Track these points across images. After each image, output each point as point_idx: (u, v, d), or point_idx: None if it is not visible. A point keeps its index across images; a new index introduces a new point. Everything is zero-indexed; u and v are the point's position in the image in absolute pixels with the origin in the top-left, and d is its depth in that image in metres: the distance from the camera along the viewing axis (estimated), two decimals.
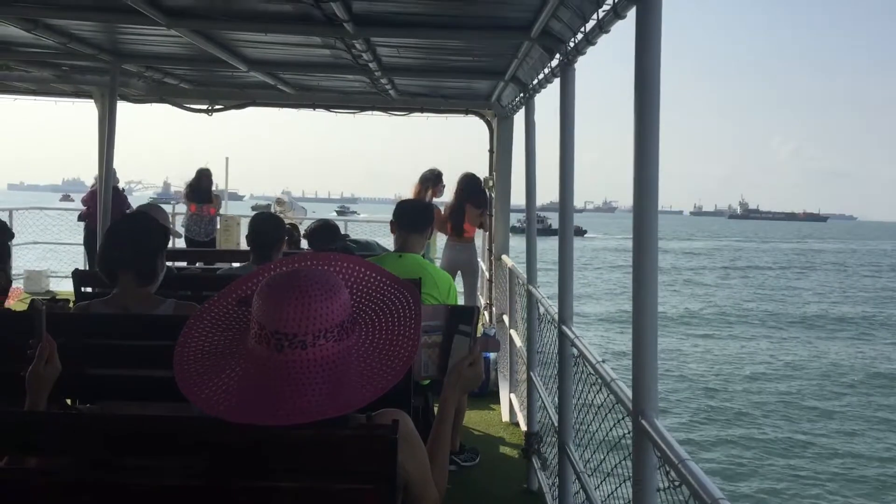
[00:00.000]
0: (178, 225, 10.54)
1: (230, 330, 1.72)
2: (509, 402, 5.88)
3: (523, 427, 5.11)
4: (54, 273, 11.40)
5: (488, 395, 6.22)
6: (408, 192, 7.86)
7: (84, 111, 8.26)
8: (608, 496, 2.91)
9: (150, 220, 3.00)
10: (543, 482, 4.36)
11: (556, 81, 3.88)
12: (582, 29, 3.20)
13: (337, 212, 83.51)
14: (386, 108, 7.55)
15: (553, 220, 48.30)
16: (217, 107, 7.58)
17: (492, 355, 6.23)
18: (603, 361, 2.93)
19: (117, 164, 6.41)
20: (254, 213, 5.55)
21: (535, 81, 4.77)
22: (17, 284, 9.50)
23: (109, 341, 2.79)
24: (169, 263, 3.49)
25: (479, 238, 7.96)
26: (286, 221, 4.80)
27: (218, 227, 10.77)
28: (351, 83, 6.61)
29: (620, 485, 2.66)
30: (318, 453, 1.62)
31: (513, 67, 5.09)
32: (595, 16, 2.87)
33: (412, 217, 4.04)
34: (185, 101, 7.59)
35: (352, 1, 3.72)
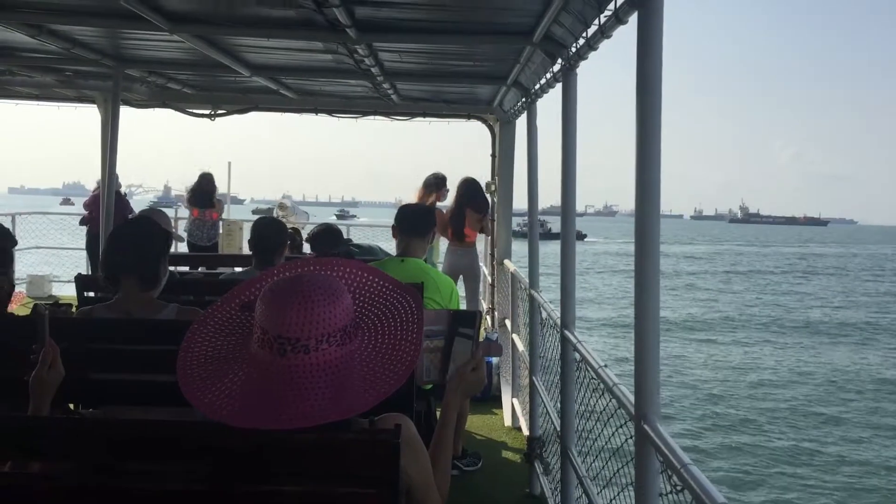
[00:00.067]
0: (181, 229, 10.54)
1: (233, 335, 1.73)
2: (511, 407, 5.88)
3: (526, 431, 5.11)
4: (57, 278, 11.41)
5: (491, 400, 6.22)
6: (409, 196, 7.86)
7: (85, 113, 8.28)
8: (611, 501, 2.90)
9: (153, 225, 3.00)
10: (546, 487, 4.36)
11: (558, 86, 3.89)
12: (584, 34, 3.21)
13: (336, 216, 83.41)
14: (388, 112, 7.57)
15: (553, 223, 48.30)
16: (220, 112, 7.60)
17: (494, 360, 6.22)
18: (605, 366, 2.93)
19: (118, 166, 6.42)
20: (255, 217, 5.56)
21: (537, 86, 4.78)
22: (20, 289, 9.53)
23: (112, 346, 2.79)
24: (171, 268, 3.50)
25: (481, 242, 7.97)
26: (288, 226, 4.81)
27: (220, 231, 10.78)
28: (353, 88, 6.63)
29: (623, 489, 2.65)
30: (321, 457, 1.62)
31: (515, 72, 5.10)
32: (597, 21, 2.88)
33: (414, 221, 4.04)
34: (188, 106, 7.61)
35: (354, 6, 3.72)
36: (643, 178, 2.16)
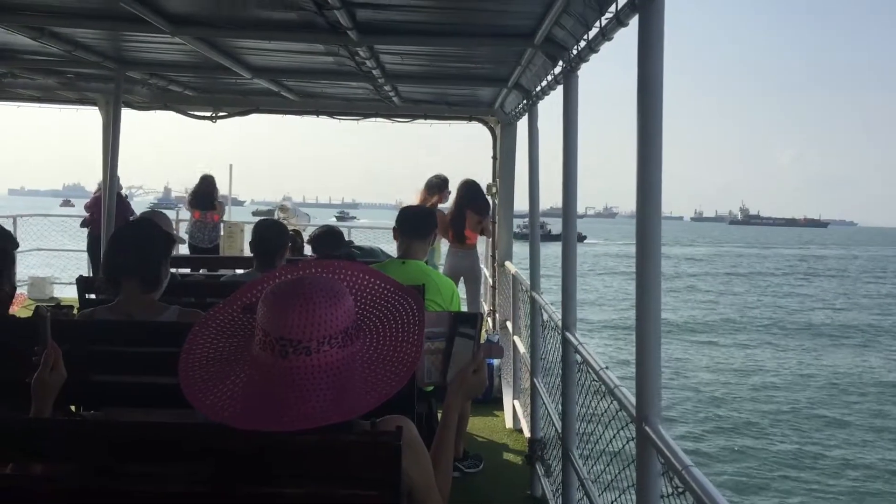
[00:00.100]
0: (182, 231, 10.55)
1: (235, 337, 1.73)
2: (513, 409, 5.88)
3: (527, 433, 5.11)
4: (58, 280, 11.41)
5: (492, 402, 6.22)
6: (409, 197, 7.87)
7: (86, 115, 8.29)
8: (612, 503, 2.90)
9: (154, 227, 3.00)
10: (547, 489, 4.36)
11: (559, 88, 3.90)
12: (585, 36, 3.21)
13: (336, 217, 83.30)
14: (389, 114, 7.57)
15: (553, 225, 48.30)
16: (221, 114, 7.61)
17: (495, 362, 6.22)
18: (606, 368, 2.93)
19: (119, 167, 6.43)
20: (256, 218, 5.55)
21: (538, 88, 4.78)
22: (21, 291, 9.52)
23: (114, 348, 2.79)
24: (172, 270, 3.50)
25: (482, 244, 7.97)
26: (289, 228, 4.81)
27: (221, 233, 10.79)
28: (354, 90, 6.63)
29: (624, 491, 2.65)
30: (323, 459, 1.62)
31: (516, 74, 5.10)
32: (598, 23, 2.88)
33: (415, 223, 4.05)
34: (189, 109, 7.62)
35: (356, 9, 3.73)
36: (644, 179, 2.16)
